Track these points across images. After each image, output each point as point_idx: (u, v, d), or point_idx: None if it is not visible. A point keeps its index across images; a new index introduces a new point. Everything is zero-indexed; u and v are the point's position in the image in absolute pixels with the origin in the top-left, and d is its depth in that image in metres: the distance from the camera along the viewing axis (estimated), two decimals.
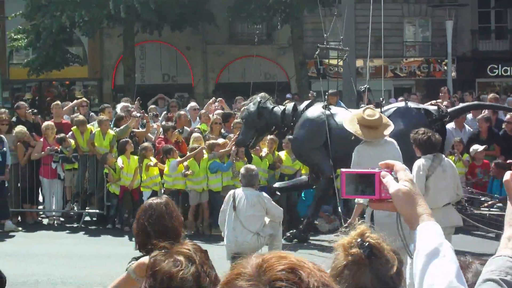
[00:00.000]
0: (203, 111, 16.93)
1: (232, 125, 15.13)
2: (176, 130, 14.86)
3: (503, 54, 33.41)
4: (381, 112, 10.28)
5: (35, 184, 15.27)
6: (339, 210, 12.88)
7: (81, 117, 15.49)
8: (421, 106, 12.75)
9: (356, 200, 9.87)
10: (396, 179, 2.21)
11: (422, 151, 8.87)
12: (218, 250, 10.26)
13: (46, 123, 15.56)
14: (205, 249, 2.70)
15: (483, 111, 15.35)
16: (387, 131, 8.38)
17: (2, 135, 14.46)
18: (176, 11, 29.67)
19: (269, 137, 14.15)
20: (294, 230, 13.13)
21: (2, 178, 14.22)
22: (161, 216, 4.73)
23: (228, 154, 14.12)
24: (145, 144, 14.44)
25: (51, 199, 15.29)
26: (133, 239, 5.05)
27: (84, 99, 18.40)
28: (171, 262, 2.54)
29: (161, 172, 14.35)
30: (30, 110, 16.47)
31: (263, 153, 14.21)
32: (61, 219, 15.46)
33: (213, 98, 18.40)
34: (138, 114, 15.41)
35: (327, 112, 12.70)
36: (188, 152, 14.15)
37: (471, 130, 15.09)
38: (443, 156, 9.36)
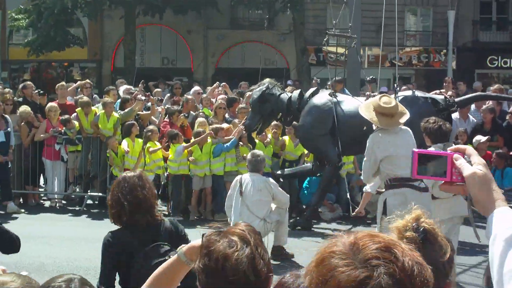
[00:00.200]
0: (204, 95, 16.88)
1: (236, 110, 15.08)
2: (182, 114, 14.80)
3: (504, 45, 33.35)
4: (396, 98, 10.27)
5: (37, 166, 15.21)
6: (348, 197, 12.91)
7: (86, 98, 15.39)
8: (428, 95, 12.73)
9: (364, 189, 9.88)
10: (470, 163, 2.20)
11: (432, 140, 8.85)
12: None
13: (49, 104, 15.41)
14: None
15: (487, 102, 15.35)
16: (403, 119, 8.36)
17: (6, 115, 14.41)
18: None
19: (273, 123, 14.11)
20: (298, 218, 13.14)
21: (6, 159, 14.15)
22: (134, 188, 4.88)
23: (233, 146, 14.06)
24: (151, 127, 14.33)
25: (53, 181, 15.24)
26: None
27: (88, 80, 18.29)
28: (226, 242, 2.52)
29: (165, 158, 14.30)
30: (36, 91, 16.37)
31: (267, 139, 14.19)
32: (63, 201, 15.41)
33: (217, 82, 18.32)
34: (144, 98, 15.35)
35: (334, 99, 12.69)
36: (192, 137, 14.10)
37: (475, 120, 15.09)
38: (453, 145, 9.34)
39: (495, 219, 2.10)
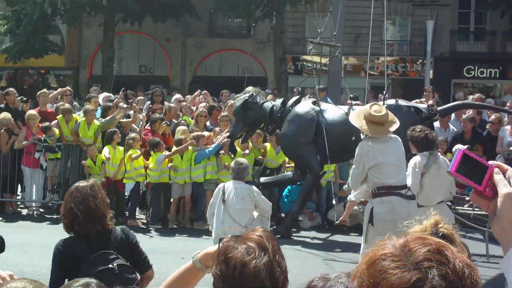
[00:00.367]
0: (184, 103, 16.80)
1: (218, 118, 15.01)
2: (164, 122, 14.70)
3: (481, 56, 33.57)
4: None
5: (16, 173, 15.02)
6: (334, 202, 12.90)
7: (67, 105, 15.26)
8: (411, 104, 12.78)
9: (348, 197, 9.88)
10: (509, 182, 2.10)
11: (418, 149, 8.90)
12: (201, 244, 10.15)
13: (29, 112, 15.23)
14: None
15: (467, 111, 15.43)
16: (393, 128, 8.37)
17: None
18: (160, 1, 29.50)
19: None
20: (277, 226, 13.10)
21: None
22: (86, 197, 5.01)
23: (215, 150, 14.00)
24: (133, 134, 14.24)
25: (31, 189, 15.06)
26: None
27: (68, 87, 18.13)
28: (244, 249, 2.47)
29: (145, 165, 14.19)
30: (19, 98, 16.17)
31: (246, 151, 14.10)
32: (41, 210, 15.22)
33: (198, 90, 18.25)
34: (125, 105, 15.24)
35: (317, 108, 12.69)
36: (174, 145, 14.01)
37: (455, 129, 15.16)
38: (439, 154, 9.39)
39: None
